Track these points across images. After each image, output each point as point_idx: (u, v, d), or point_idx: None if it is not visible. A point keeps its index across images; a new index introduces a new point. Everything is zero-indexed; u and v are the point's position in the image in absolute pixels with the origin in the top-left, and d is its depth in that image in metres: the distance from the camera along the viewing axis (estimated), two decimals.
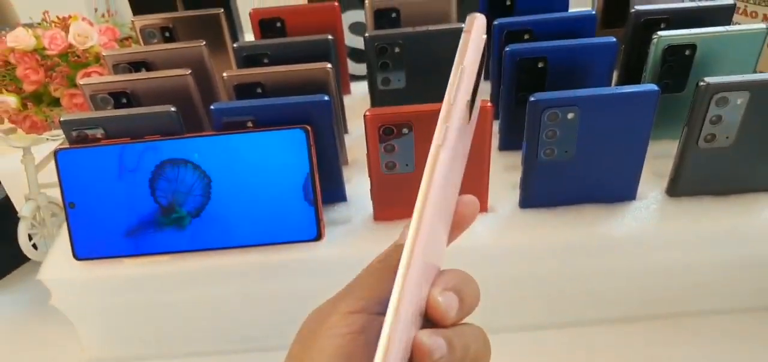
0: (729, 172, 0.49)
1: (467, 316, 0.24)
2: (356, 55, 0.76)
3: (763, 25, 0.51)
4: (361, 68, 0.76)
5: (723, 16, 0.56)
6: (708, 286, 0.54)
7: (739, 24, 0.68)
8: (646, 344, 0.54)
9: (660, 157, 0.55)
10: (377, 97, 0.61)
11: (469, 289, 0.24)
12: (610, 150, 0.48)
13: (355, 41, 0.75)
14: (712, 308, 0.55)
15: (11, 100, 0.63)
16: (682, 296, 0.55)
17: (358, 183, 0.56)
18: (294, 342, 0.24)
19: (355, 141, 0.63)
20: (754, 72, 0.53)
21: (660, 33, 0.52)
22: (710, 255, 0.51)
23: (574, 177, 0.49)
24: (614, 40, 0.53)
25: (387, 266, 0.25)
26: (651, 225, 0.50)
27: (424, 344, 0.21)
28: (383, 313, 0.20)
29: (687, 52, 0.52)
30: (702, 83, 0.45)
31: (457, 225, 0.26)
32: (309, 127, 0.48)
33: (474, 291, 0.24)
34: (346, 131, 0.65)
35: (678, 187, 0.51)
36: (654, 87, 0.45)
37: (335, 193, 0.54)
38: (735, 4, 0.56)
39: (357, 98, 0.72)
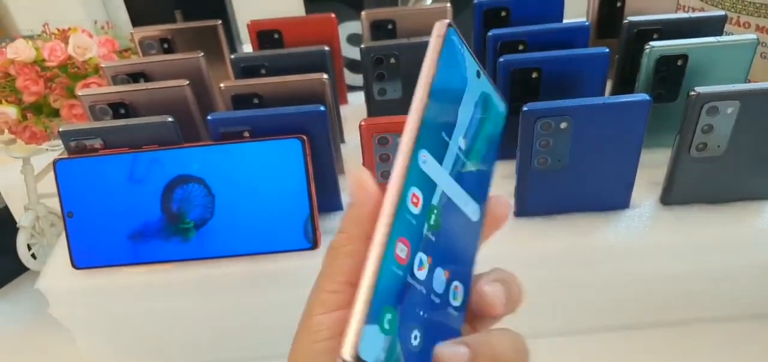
0: (721, 180, 0.50)
1: (510, 313, 0.26)
2: (353, 65, 0.77)
3: (753, 37, 0.51)
4: (357, 79, 0.76)
5: (715, 26, 0.57)
6: (701, 294, 0.54)
7: (732, 34, 0.69)
8: (639, 352, 0.55)
9: (654, 166, 0.56)
10: (373, 107, 0.62)
11: (514, 286, 0.26)
12: (603, 159, 0.49)
13: (352, 52, 0.76)
14: (706, 316, 0.56)
15: (11, 111, 0.64)
16: (676, 304, 0.55)
17: None
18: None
19: (352, 150, 0.64)
20: (746, 82, 0.54)
21: (652, 43, 0.52)
22: (703, 262, 0.51)
23: (567, 186, 0.50)
24: (607, 50, 0.53)
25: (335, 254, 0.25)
26: (644, 233, 0.50)
27: (445, 355, 0.22)
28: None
29: (679, 63, 0.53)
30: (693, 93, 0.45)
31: (491, 224, 0.27)
32: (305, 137, 0.49)
33: (518, 288, 0.26)
34: (342, 141, 0.66)
35: (671, 196, 0.51)
36: (646, 97, 0.45)
37: (331, 202, 0.55)
38: (726, 15, 0.57)
39: (354, 108, 0.73)
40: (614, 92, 0.61)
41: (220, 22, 0.65)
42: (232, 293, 0.53)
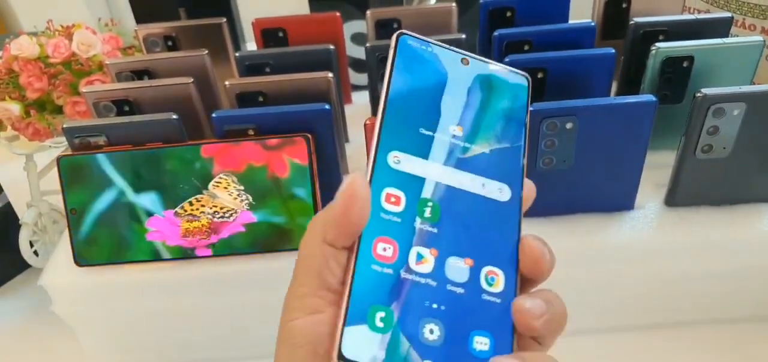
0: (726, 182, 0.50)
1: (550, 341, 0.25)
2: (358, 65, 0.76)
3: (759, 38, 0.51)
4: (362, 78, 0.76)
5: (721, 28, 0.57)
6: (706, 296, 0.54)
7: (737, 36, 0.69)
8: (643, 353, 0.54)
9: (659, 168, 0.55)
10: (378, 106, 0.62)
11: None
12: (608, 160, 0.49)
13: (357, 51, 0.76)
14: (710, 318, 0.56)
15: (14, 108, 0.64)
16: (680, 306, 0.55)
17: None
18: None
19: (356, 149, 0.63)
20: (752, 84, 0.54)
21: (658, 44, 0.52)
22: (708, 264, 0.51)
23: (572, 186, 0.50)
24: (613, 51, 0.53)
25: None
26: (649, 234, 0.50)
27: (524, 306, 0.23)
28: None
29: (685, 64, 0.53)
30: (699, 94, 0.45)
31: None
32: (310, 135, 0.49)
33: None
34: (347, 139, 0.65)
35: (676, 197, 0.51)
36: (652, 97, 0.45)
37: None
38: (733, 17, 0.57)
39: (358, 107, 0.73)
40: (619, 93, 0.61)
41: (224, 19, 0.65)
42: (235, 291, 0.53)
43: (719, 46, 0.52)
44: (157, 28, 0.65)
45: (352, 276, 0.23)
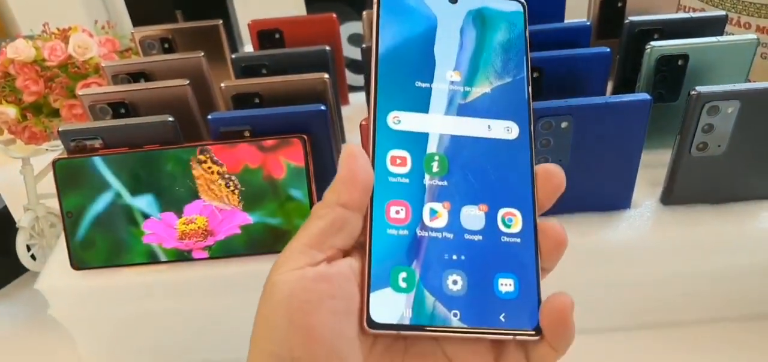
0: (722, 180, 0.50)
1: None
2: (354, 65, 0.77)
3: (753, 36, 0.51)
4: (359, 79, 0.76)
5: (715, 26, 0.57)
6: (703, 294, 0.54)
7: (732, 34, 0.69)
8: (640, 353, 0.54)
9: (655, 166, 0.56)
10: None
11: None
12: (604, 158, 0.49)
13: (354, 52, 0.76)
14: (707, 316, 0.56)
15: (11, 111, 0.64)
16: (677, 304, 0.55)
17: None
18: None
19: None
20: (746, 82, 0.54)
21: (653, 43, 0.52)
22: (705, 263, 0.51)
23: (568, 185, 0.49)
24: (608, 50, 0.53)
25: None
26: (646, 233, 0.50)
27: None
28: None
29: (680, 62, 0.53)
30: (693, 92, 0.45)
31: (548, 197, 0.26)
32: (306, 137, 0.49)
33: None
34: (343, 140, 0.66)
35: (672, 196, 0.51)
36: (646, 96, 0.45)
37: None
38: (727, 16, 0.57)
39: (355, 108, 0.73)
40: (615, 92, 0.61)
41: (220, 21, 0.65)
42: (231, 293, 0.53)
43: (713, 44, 0.52)
44: (153, 30, 0.65)
45: (370, 243, 0.24)
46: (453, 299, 0.24)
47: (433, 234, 0.24)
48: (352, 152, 0.24)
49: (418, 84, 0.26)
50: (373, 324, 0.23)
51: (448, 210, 0.25)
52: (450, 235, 0.24)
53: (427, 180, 0.25)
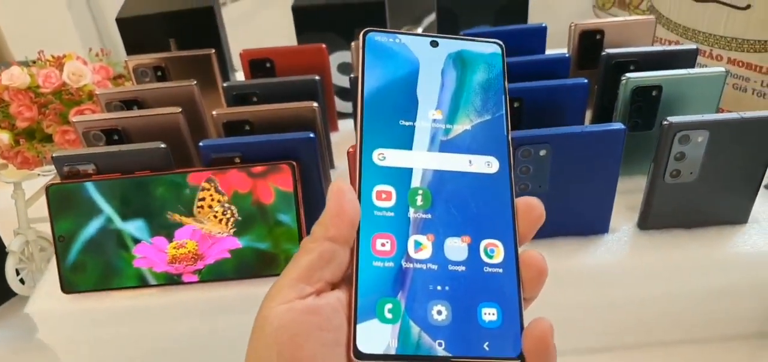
0: (695, 205, 0.52)
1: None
2: (344, 93, 0.78)
3: (722, 69, 0.54)
4: (348, 106, 0.78)
5: (687, 59, 0.59)
6: (679, 316, 0.56)
7: (706, 66, 0.72)
8: None
9: (633, 192, 0.58)
10: None
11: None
12: (582, 185, 0.50)
13: (343, 80, 0.78)
14: (684, 337, 0.57)
15: (4, 137, 0.65)
16: (655, 326, 0.57)
17: None
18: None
19: (342, 175, 0.65)
20: (717, 111, 0.56)
21: (628, 75, 0.55)
22: (681, 285, 0.53)
23: (548, 210, 0.51)
24: (585, 81, 0.55)
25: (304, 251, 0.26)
26: (623, 257, 0.52)
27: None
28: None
29: (654, 93, 0.55)
30: (665, 122, 0.47)
31: (529, 229, 0.27)
32: (295, 163, 0.50)
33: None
34: (332, 166, 0.67)
35: (648, 221, 0.53)
36: (620, 125, 0.48)
37: None
38: (697, 49, 0.60)
39: (344, 135, 0.75)
40: (595, 120, 0.63)
41: (213, 51, 0.66)
42: (221, 317, 0.54)
43: (685, 76, 0.54)
44: (146, 58, 0.66)
45: (356, 275, 0.25)
46: (438, 329, 0.24)
47: (418, 266, 0.25)
48: (340, 188, 0.25)
49: (402, 122, 0.27)
50: (359, 354, 0.23)
51: (432, 242, 0.26)
52: (434, 266, 0.25)
53: (411, 213, 0.26)
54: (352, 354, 0.23)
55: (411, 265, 0.25)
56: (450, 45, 0.29)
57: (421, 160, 0.27)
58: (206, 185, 0.50)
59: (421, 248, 0.26)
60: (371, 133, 0.27)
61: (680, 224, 0.53)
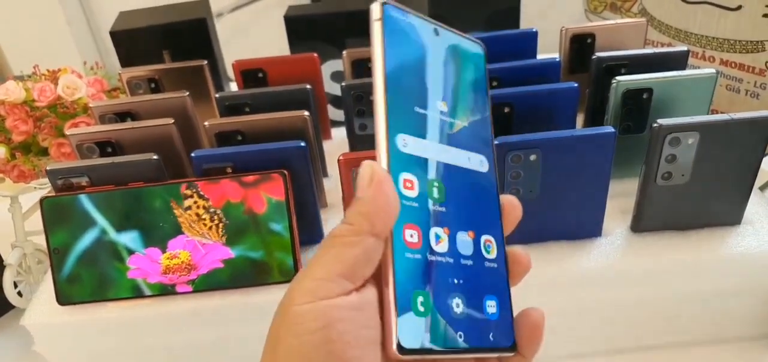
0: (687, 207, 0.52)
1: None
2: (337, 101, 0.79)
3: (712, 71, 0.54)
4: (341, 114, 0.78)
5: (678, 61, 0.59)
6: (673, 319, 0.56)
7: (698, 68, 0.72)
8: None
9: (626, 195, 0.58)
10: (355, 142, 0.64)
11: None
12: (573, 189, 0.51)
13: (336, 89, 0.78)
14: (678, 340, 0.57)
15: (0, 151, 0.65)
16: (649, 328, 0.56)
17: (335, 224, 0.58)
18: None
19: (335, 184, 0.65)
20: (708, 113, 0.56)
21: (619, 78, 0.55)
22: (674, 288, 0.53)
23: (539, 215, 0.52)
24: (575, 85, 0.56)
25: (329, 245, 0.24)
26: (617, 260, 0.52)
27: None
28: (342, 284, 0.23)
29: (644, 96, 0.55)
30: (656, 125, 0.47)
31: (510, 225, 0.29)
32: (286, 172, 0.50)
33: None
34: (325, 174, 0.67)
35: (641, 223, 0.53)
36: (611, 129, 0.48)
37: (313, 235, 0.56)
38: (689, 51, 0.60)
39: (337, 143, 0.75)
40: (587, 124, 0.63)
41: (205, 62, 0.67)
42: (219, 326, 0.54)
43: (676, 78, 0.54)
44: (140, 71, 0.67)
45: (393, 267, 0.23)
46: (457, 322, 0.25)
47: (439, 259, 0.25)
48: (381, 178, 0.23)
49: (417, 109, 0.26)
50: (402, 349, 0.22)
51: (448, 236, 0.26)
52: (451, 260, 0.25)
53: (430, 205, 0.25)
54: (393, 349, 0.22)
55: (434, 258, 0.25)
56: (448, 37, 0.28)
57: (433, 150, 0.26)
58: (188, 192, 0.50)
59: (440, 241, 0.25)
60: (395, 117, 0.25)
61: (673, 226, 0.53)
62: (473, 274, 0.26)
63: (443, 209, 0.26)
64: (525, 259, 0.28)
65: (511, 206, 0.29)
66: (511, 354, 0.26)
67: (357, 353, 0.22)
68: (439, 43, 0.27)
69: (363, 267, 0.23)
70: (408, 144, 0.25)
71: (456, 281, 0.25)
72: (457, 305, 0.25)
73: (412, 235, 0.24)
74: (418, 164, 0.25)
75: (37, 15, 1.41)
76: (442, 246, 0.25)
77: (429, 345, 0.23)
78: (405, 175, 0.25)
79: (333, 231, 0.24)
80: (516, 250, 0.28)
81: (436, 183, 0.26)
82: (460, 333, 0.24)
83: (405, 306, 0.23)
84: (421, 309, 0.24)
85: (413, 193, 0.25)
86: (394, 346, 0.23)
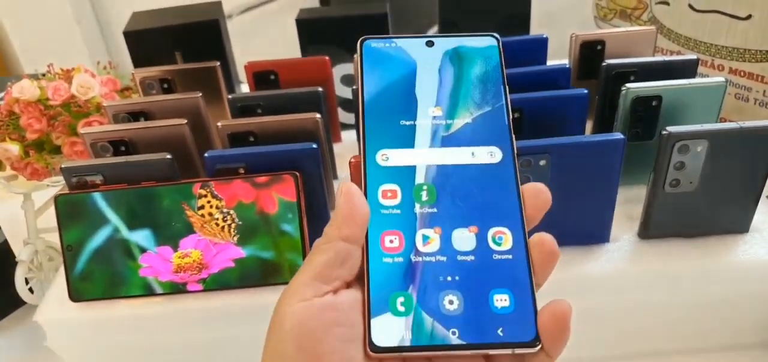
0: (695, 215, 0.52)
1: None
2: (347, 104, 0.79)
3: (722, 79, 0.54)
4: (351, 117, 0.79)
5: (688, 69, 0.60)
6: (680, 325, 0.56)
7: (707, 76, 0.72)
8: None
9: (634, 201, 0.58)
10: None
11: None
12: (582, 195, 0.51)
13: (346, 92, 0.79)
14: (685, 347, 0.57)
15: (14, 148, 0.66)
16: (655, 336, 0.57)
17: None
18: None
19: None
20: (717, 121, 0.57)
21: (628, 85, 0.55)
22: (681, 295, 0.53)
23: (548, 220, 0.52)
24: (585, 91, 0.56)
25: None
26: (624, 266, 0.52)
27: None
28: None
29: (653, 103, 0.56)
30: (664, 132, 0.48)
31: (538, 212, 0.28)
32: (298, 173, 0.51)
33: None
34: (335, 177, 0.68)
35: (648, 230, 0.53)
36: (620, 136, 0.48)
37: None
38: (698, 60, 0.60)
39: (347, 145, 0.75)
40: (596, 130, 0.63)
41: (218, 63, 0.67)
42: (229, 325, 0.54)
43: (685, 86, 0.55)
44: (153, 71, 0.68)
45: (368, 272, 0.26)
46: (450, 318, 0.25)
47: (427, 259, 0.26)
48: (349, 190, 0.26)
49: (403, 122, 0.29)
50: (375, 347, 0.24)
51: (440, 235, 0.27)
52: (443, 258, 0.26)
53: (417, 208, 0.27)
54: (367, 348, 0.24)
55: (420, 259, 0.26)
56: (446, 43, 0.31)
57: (423, 156, 0.28)
58: (202, 191, 0.51)
59: (429, 241, 0.27)
60: (373, 136, 0.28)
61: (681, 233, 0.54)
62: (475, 269, 0.26)
63: (434, 210, 0.27)
64: (546, 243, 0.27)
65: (536, 191, 0.28)
66: (533, 349, 0.25)
67: (327, 348, 0.24)
68: (432, 54, 0.30)
69: (336, 270, 0.25)
70: (390, 157, 0.28)
71: (450, 278, 0.26)
72: (450, 302, 0.26)
73: (392, 240, 0.26)
74: (402, 173, 0.28)
75: (46, 13, 1.42)
76: (431, 247, 0.27)
77: (408, 343, 0.25)
78: (385, 187, 0.27)
79: (314, 242, 0.27)
80: (538, 236, 0.27)
81: (424, 187, 0.28)
82: (453, 329, 0.25)
83: (381, 307, 0.25)
84: (402, 309, 0.25)
85: (394, 201, 0.27)
86: (367, 344, 0.24)
